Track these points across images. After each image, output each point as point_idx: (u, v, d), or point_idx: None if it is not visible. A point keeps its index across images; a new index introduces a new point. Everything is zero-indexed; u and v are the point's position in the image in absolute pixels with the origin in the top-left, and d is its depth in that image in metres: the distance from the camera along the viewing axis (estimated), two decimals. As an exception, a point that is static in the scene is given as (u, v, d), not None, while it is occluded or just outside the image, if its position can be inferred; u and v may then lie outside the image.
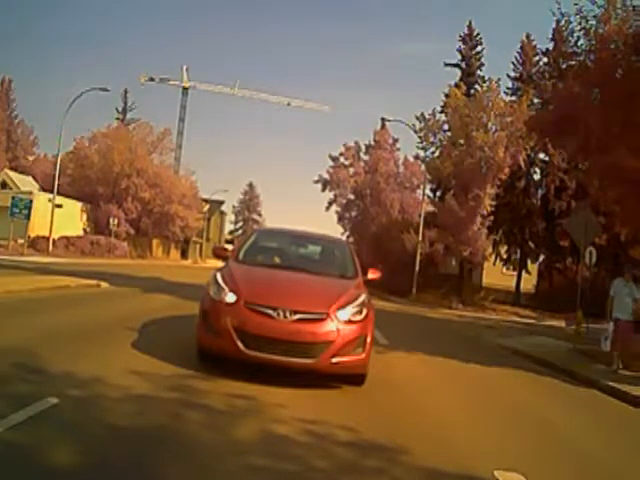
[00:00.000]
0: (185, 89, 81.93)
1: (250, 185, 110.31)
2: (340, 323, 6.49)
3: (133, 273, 23.26)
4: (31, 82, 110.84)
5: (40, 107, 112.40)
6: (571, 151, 16.43)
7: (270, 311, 6.32)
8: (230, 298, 6.55)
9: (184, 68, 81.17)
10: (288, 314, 6.32)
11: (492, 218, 34.42)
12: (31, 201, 34.02)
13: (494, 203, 34.24)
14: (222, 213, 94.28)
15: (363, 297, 7.01)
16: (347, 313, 6.60)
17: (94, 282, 15.19)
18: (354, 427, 5.06)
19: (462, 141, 33.55)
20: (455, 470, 4.25)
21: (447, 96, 37.88)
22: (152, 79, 79.30)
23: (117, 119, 70.35)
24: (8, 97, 69.86)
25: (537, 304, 36.83)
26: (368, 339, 6.76)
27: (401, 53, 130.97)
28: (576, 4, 12.97)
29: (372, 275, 8.30)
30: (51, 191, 39.37)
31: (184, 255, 70.49)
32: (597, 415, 7.99)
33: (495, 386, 8.99)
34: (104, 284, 15.41)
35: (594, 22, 12.61)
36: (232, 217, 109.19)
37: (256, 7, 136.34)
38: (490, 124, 33.13)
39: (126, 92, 71.54)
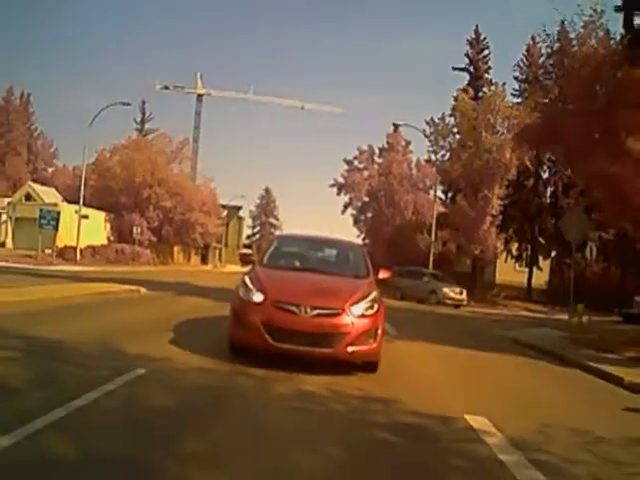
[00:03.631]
0: (199, 96, 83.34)
1: (266, 190, 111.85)
2: (354, 317, 7.35)
3: (162, 279, 24.88)
4: (47, 93, 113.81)
5: (57, 118, 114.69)
6: (558, 158, 17.80)
7: (293, 308, 7.21)
8: (258, 298, 7.46)
9: (198, 75, 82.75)
10: (309, 310, 7.20)
11: (501, 217, 35.76)
12: (59, 213, 35.67)
13: (503, 202, 35.60)
14: (240, 218, 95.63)
15: (374, 294, 7.91)
16: (360, 308, 7.47)
17: (135, 288, 16.83)
18: (363, 387, 6.72)
19: (471, 144, 34.89)
20: (434, 413, 5.79)
21: (456, 99, 39.28)
22: (167, 87, 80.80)
23: (136, 130, 72.56)
24: (27, 111, 71.91)
25: (548, 299, 37.86)
26: (379, 331, 7.65)
27: (413, 51, 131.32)
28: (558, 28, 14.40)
29: (383, 275, 9.40)
30: (74, 202, 41.22)
31: (204, 260, 72.02)
32: (567, 385, 9.39)
33: (485, 364, 10.41)
34: (143, 289, 17.07)
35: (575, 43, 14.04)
36: (249, 222, 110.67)
37: (267, 10, 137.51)
38: (497, 127, 34.50)
39: (144, 103, 73.45)
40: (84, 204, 42.07)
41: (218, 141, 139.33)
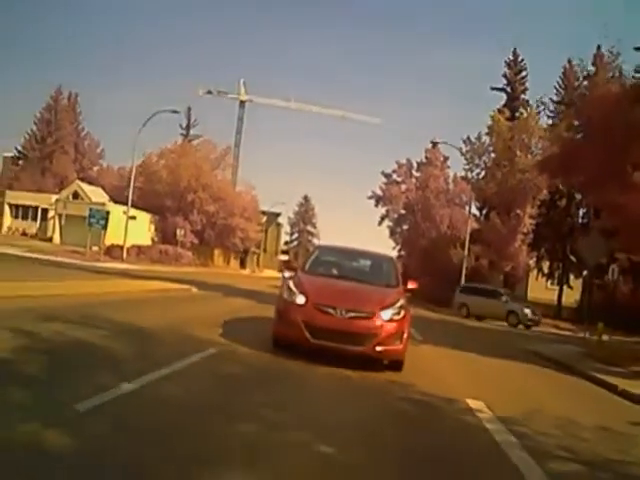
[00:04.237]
0: (242, 102, 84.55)
1: (305, 198, 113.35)
2: (383, 320, 8.36)
3: (206, 280, 26.61)
4: (93, 94, 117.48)
5: (103, 119, 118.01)
6: (577, 188, 18.98)
7: (331, 310, 8.24)
8: (300, 300, 8.49)
9: (241, 82, 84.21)
10: (344, 312, 8.24)
11: (533, 236, 36.74)
12: (108, 212, 37.81)
13: (535, 221, 36.58)
14: (278, 225, 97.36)
15: (402, 301, 8.90)
16: (389, 313, 8.47)
17: (186, 287, 18.58)
18: (387, 377, 8.22)
19: (505, 163, 36.02)
20: (442, 395, 7.29)
21: (492, 119, 40.47)
22: (210, 92, 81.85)
23: (181, 134, 74.87)
24: (75, 111, 74.24)
25: (578, 318, 38.54)
26: (405, 334, 8.66)
27: (457, 66, 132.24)
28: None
29: (411, 285, 10.40)
30: (119, 202, 43.44)
31: (242, 265, 73.84)
32: (565, 388, 10.76)
33: (499, 369, 11.75)
34: (194, 289, 18.81)
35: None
36: (288, 228, 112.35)
37: (310, 20, 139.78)
38: (532, 148, 35.59)
39: (189, 110, 75.66)
40: (132, 206, 44.13)
41: (260, 148, 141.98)
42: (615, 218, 14.70)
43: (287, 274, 10.29)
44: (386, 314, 8.45)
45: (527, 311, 30.97)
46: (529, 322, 30.69)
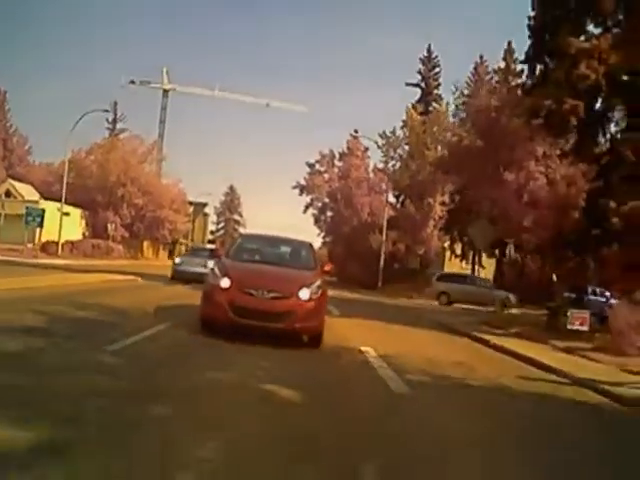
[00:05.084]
0: (165, 91, 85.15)
1: (231, 187, 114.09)
2: (301, 300, 9.16)
3: (145, 271, 28.43)
4: (18, 89, 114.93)
5: (28, 114, 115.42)
6: (461, 183, 22.21)
7: (253, 291, 9.02)
8: (225, 283, 9.17)
9: (164, 71, 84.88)
10: (265, 293, 9.03)
11: (445, 221, 40.19)
12: (44, 210, 38.80)
13: (447, 208, 39.99)
14: (205, 215, 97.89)
15: (319, 282, 9.72)
16: (306, 293, 9.24)
17: (133, 277, 20.76)
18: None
19: (417, 156, 39.27)
20: (343, 345, 10.12)
21: (407, 114, 43.66)
22: (133, 82, 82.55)
23: (107, 129, 75.54)
24: (3, 107, 73.61)
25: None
26: (322, 312, 9.67)
27: (379, 49, 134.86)
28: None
29: (327, 268, 11.83)
30: (49, 198, 44.57)
31: (171, 255, 74.95)
32: (446, 341, 13.82)
33: (397, 331, 14.58)
34: (139, 279, 21.00)
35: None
36: (214, 218, 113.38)
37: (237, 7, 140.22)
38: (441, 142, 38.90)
39: (116, 104, 76.20)
40: (59, 201, 45.11)
41: (186, 138, 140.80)
42: (493, 209, 17.83)
43: (214, 262, 11.46)
44: (304, 294, 9.21)
45: (511, 296, 32.08)
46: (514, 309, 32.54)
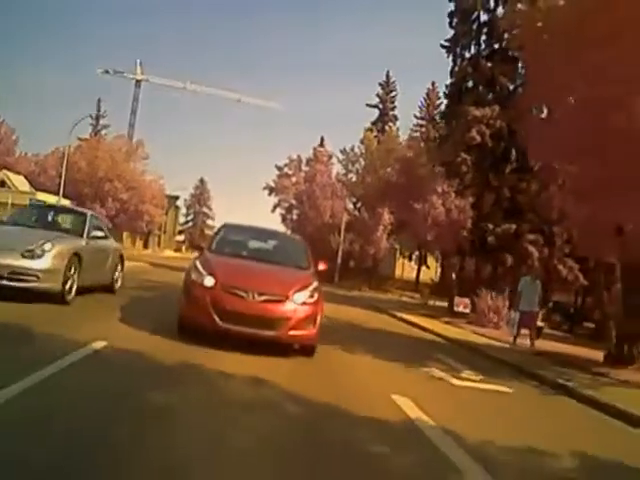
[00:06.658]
0: (138, 82, 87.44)
1: (201, 180, 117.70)
2: (296, 304, 7.99)
3: (144, 259, 34.40)
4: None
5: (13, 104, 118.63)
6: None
7: (242, 293, 7.80)
8: (209, 282, 7.98)
9: (138, 62, 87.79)
10: (256, 295, 7.81)
11: (393, 226, 47.18)
12: (45, 203, 44.83)
13: (395, 215, 46.91)
14: (177, 207, 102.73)
15: (315, 284, 8.54)
16: (302, 296, 8.10)
17: (141, 264, 27.08)
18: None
19: (370, 172, 46.12)
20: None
21: (364, 134, 50.51)
22: (107, 72, 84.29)
23: (91, 125, 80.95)
24: (-11, 100, 78.03)
25: (430, 291, 49.48)
26: (318, 318, 8.29)
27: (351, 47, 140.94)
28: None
29: (321, 267, 10.29)
30: (38, 189, 50.38)
31: (146, 246, 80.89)
32: (366, 313, 20.44)
33: (344, 310, 19.79)
34: (146, 265, 27.36)
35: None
36: (184, 210, 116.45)
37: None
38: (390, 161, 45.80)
39: (99, 101, 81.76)
40: (50, 192, 50.68)
41: (160, 131, 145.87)
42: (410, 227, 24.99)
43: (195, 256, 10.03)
44: (299, 297, 8.16)
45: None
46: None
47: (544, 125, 12.76)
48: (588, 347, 16.79)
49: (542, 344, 15.87)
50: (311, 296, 8.30)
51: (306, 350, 8.48)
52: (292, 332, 8.00)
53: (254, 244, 10.72)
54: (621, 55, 9.92)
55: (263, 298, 7.91)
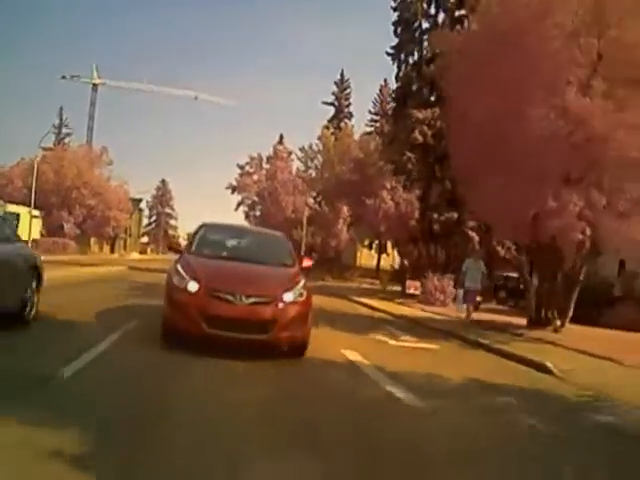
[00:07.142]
0: (95, 86, 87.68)
1: (162, 181, 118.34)
2: (286, 304, 7.82)
3: (115, 264, 36.78)
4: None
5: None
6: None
7: (229, 296, 7.57)
8: (193, 287, 7.72)
9: (94, 66, 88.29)
10: (244, 298, 7.57)
11: (352, 219, 49.96)
12: (19, 215, 46.42)
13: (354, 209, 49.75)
14: (140, 210, 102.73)
15: (303, 282, 8.39)
16: (291, 296, 7.93)
17: (119, 268, 29.17)
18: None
19: (328, 168, 48.80)
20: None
21: (322, 131, 53.07)
22: (64, 77, 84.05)
23: (54, 133, 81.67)
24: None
25: (390, 277, 52.39)
26: (308, 317, 8.22)
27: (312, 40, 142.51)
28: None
29: (306, 263, 9.81)
30: (8, 201, 51.77)
31: (112, 250, 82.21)
32: (331, 302, 22.92)
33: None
34: (125, 268, 29.53)
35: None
36: (147, 212, 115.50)
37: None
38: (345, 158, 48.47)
39: (61, 109, 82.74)
40: (15, 203, 51.82)
41: (120, 134, 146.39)
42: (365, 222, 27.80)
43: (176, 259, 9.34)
44: (288, 297, 7.93)
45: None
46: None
47: (460, 130, 15.16)
48: (522, 317, 18.68)
49: (480, 315, 18.27)
50: (300, 294, 8.15)
51: (296, 350, 8.21)
52: (284, 334, 7.81)
53: (235, 243, 10.47)
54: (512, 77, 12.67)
55: (251, 300, 7.69)
